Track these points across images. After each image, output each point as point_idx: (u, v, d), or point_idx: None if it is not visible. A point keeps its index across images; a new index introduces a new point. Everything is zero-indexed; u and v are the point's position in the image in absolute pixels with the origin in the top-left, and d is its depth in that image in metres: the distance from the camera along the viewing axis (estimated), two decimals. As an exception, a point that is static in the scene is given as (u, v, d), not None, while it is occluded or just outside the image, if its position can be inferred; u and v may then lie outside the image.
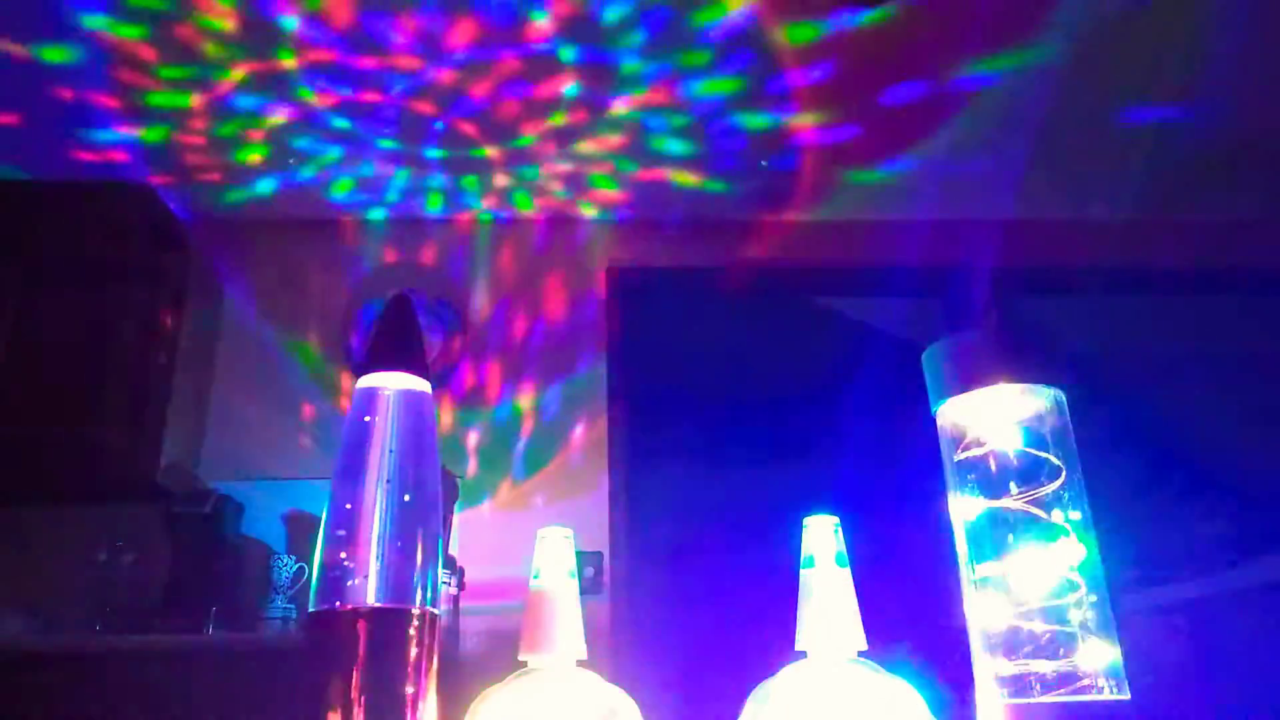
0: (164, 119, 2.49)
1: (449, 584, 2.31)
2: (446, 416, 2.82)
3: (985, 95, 2.50)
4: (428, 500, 0.71)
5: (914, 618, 2.11)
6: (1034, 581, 0.79)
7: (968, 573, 0.82)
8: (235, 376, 2.83)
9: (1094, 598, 0.78)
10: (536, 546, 0.85)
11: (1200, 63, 2.40)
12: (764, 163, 2.78)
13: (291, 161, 2.64)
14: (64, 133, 2.54)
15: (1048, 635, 0.77)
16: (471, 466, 2.76)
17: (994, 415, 0.84)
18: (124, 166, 2.68)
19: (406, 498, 0.70)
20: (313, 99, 2.45)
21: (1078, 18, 2.23)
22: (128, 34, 2.19)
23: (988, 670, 0.79)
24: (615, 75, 2.39)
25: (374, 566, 0.67)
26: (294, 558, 2.41)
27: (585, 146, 2.68)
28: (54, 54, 2.25)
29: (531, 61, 2.33)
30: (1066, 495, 0.81)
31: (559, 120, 2.56)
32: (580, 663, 0.82)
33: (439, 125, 2.57)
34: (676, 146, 2.69)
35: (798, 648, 0.83)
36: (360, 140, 2.63)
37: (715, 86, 2.44)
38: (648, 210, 3.04)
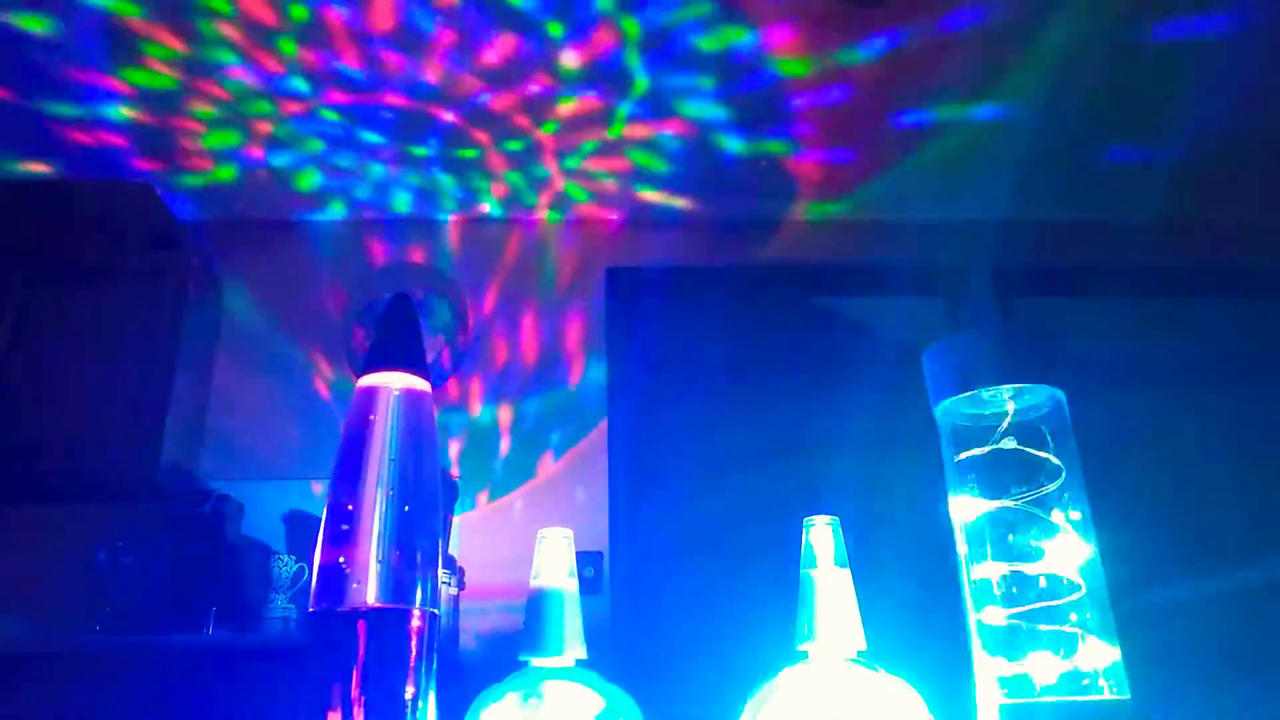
0: (165, 121, 2.49)
1: (449, 584, 2.32)
2: (447, 416, 2.82)
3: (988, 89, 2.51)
4: (427, 500, 0.71)
5: (914, 618, 2.11)
6: (1034, 582, 0.79)
7: (968, 573, 0.82)
8: (235, 376, 2.83)
9: (1094, 598, 0.78)
10: (537, 547, 0.85)
11: (1205, 61, 2.40)
12: (764, 161, 2.78)
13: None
14: (65, 134, 2.54)
15: (1048, 635, 0.77)
16: (472, 466, 2.76)
17: (994, 415, 0.84)
18: (125, 167, 2.68)
19: (406, 498, 0.69)
20: (314, 100, 2.45)
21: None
22: (130, 40, 2.20)
23: (988, 670, 0.79)
24: (615, 73, 2.39)
25: (374, 566, 0.67)
26: (294, 558, 2.41)
27: (585, 146, 2.68)
28: (60, 66, 2.25)
29: (531, 61, 2.33)
30: (1066, 495, 0.81)
31: (560, 120, 2.56)
32: (580, 663, 0.82)
33: (439, 126, 2.57)
34: (678, 144, 2.69)
35: (798, 648, 0.83)
36: (360, 141, 2.63)
37: (709, 111, 2.44)
38: (648, 210, 3.04)
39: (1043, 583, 0.79)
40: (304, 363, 2.86)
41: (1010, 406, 0.84)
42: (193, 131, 2.55)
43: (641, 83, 2.41)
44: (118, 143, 2.58)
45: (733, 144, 2.68)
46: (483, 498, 2.73)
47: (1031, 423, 0.84)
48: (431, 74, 2.37)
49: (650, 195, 2.94)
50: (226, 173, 2.75)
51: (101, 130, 2.53)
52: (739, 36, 2.26)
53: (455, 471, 2.73)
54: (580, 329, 2.95)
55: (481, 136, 2.63)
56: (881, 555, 1.71)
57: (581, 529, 2.43)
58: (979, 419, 0.85)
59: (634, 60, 2.33)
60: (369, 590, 0.66)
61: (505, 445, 2.81)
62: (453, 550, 2.52)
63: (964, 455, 0.84)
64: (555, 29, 2.23)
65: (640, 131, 2.61)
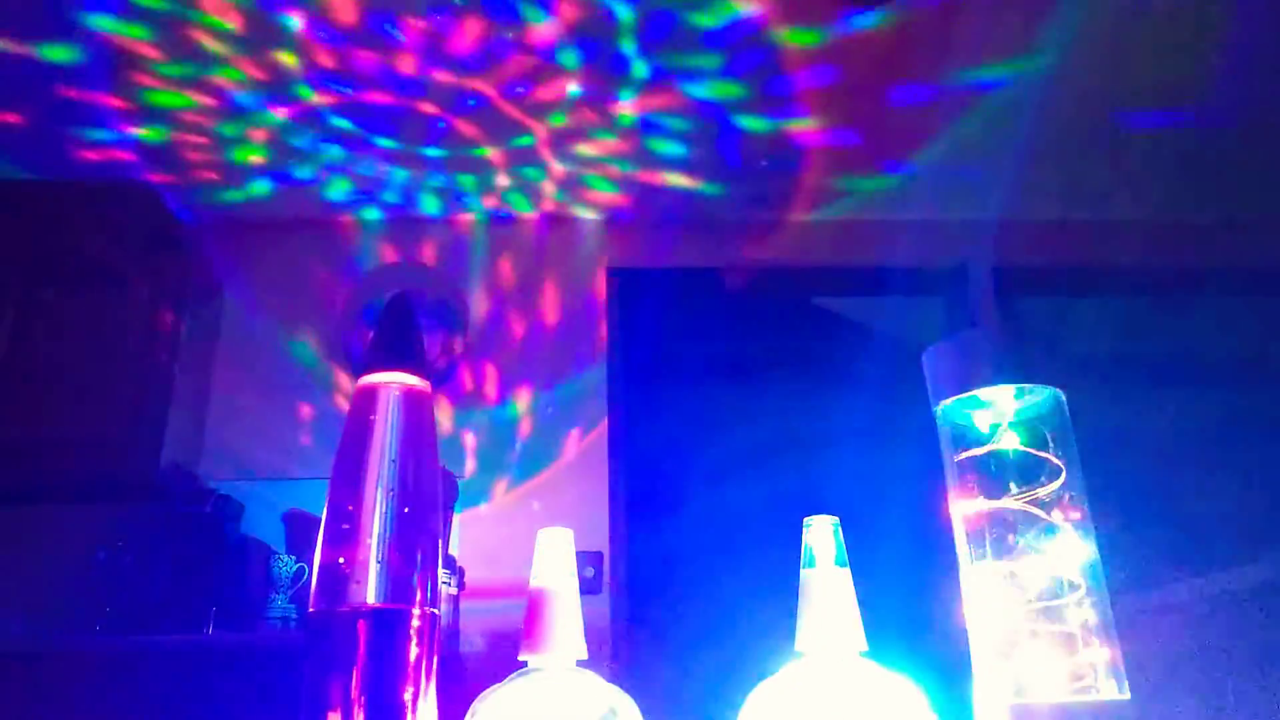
0: (165, 119, 2.49)
1: (449, 584, 2.31)
2: (446, 416, 2.82)
3: (987, 95, 2.51)
4: (427, 500, 0.71)
5: (914, 618, 2.11)
6: (1033, 582, 0.79)
7: (967, 573, 0.82)
8: (235, 376, 2.83)
9: (1094, 598, 0.78)
10: (536, 546, 0.85)
11: (1203, 61, 2.40)
12: (764, 161, 2.77)
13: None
14: (65, 133, 2.54)
15: (1047, 635, 0.77)
16: (471, 466, 2.76)
17: (994, 415, 0.84)
18: (124, 166, 2.68)
19: (406, 498, 0.69)
20: (313, 98, 2.45)
21: (1080, 17, 2.23)
22: (130, 33, 2.19)
23: (988, 670, 0.79)
24: (616, 76, 2.39)
25: (374, 567, 0.67)
26: (294, 558, 2.41)
27: (585, 147, 2.68)
28: (56, 53, 2.25)
29: (532, 62, 2.33)
30: (1066, 495, 0.81)
31: (559, 121, 2.56)
32: (580, 663, 0.82)
33: (439, 125, 2.57)
34: (677, 148, 2.69)
35: (798, 648, 0.83)
36: (360, 140, 2.63)
37: (717, 89, 2.44)
38: (647, 211, 3.03)
39: (1042, 582, 0.79)
40: (303, 362, 2.86)
41: (1010, 406, 0.84)
42: (193, 130, 2.55)
43: (641, 80, 2.41)
44: (118, 143, 2.58)
45: (732, 142, 2.68)
46: (482, 497, 2.73)
47: (1031, 423, 0.83)
48: (434, 73, 2.37)
49: (650, 196, 2.94)
50: (227, 173, 2.75)
51: (102, 130, 2.53)
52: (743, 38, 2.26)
53: (454, 471, 2.73)
54: (580, 329, 2.95)
55: (482, 136, 2.63)
56: (881, 555, 1.71)
57: (581, 529, 2.43)
58: (979, 419, 0.85)
59: (636, 63, 2.33)
60: (369, 590, 0.66)
61: (505, 445, 2.80)
62: (453, 550, 2.52)
63: (964, 455, 0.84)
64: (560, 33, 2.23)
65: (640, 132, 2.61)
